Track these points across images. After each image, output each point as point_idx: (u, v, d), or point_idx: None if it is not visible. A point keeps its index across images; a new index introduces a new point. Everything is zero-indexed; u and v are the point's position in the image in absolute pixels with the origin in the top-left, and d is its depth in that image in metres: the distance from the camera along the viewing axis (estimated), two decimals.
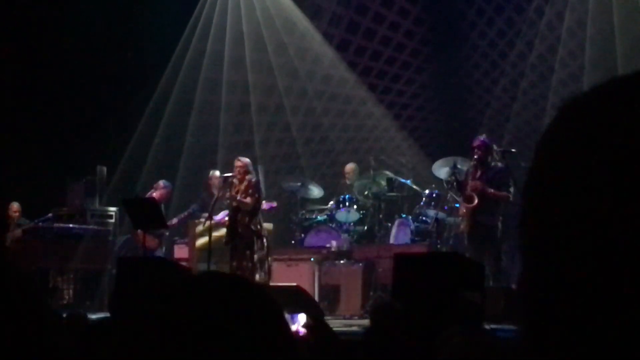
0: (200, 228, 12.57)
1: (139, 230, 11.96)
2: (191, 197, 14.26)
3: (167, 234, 13.57)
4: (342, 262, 12.34)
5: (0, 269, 1.32)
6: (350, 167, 14.30)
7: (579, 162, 0.86)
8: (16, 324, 1.32)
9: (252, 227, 11.39)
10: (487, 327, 7.31)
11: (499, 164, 11.09)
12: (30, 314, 1.35)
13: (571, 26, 14.86)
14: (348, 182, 14.04)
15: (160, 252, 13.23)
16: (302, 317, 8.00)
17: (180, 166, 15.18)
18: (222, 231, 12.05)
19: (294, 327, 7.76)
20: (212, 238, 11.52)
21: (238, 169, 11.53)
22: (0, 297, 1.32)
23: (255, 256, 11.34)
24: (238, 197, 11.39)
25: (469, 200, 10.94)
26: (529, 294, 0.91)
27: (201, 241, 12.63)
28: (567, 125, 0.92)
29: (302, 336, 6.12)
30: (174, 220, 13.51)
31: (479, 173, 11.03)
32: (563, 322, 0.86)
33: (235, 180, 11.60)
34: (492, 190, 10.87)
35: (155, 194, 13.40)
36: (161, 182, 13.65)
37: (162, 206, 13.45)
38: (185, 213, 13.56)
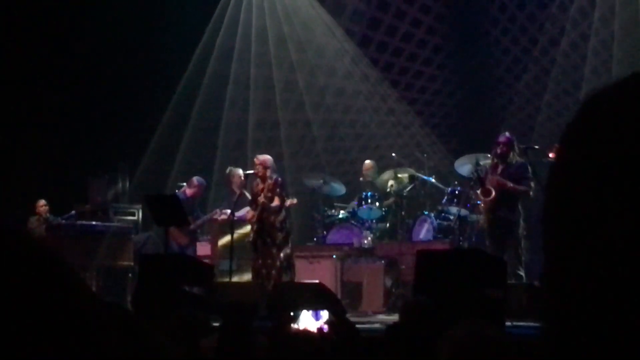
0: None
1: (172, 227, 11.92)
2: (218, 194, 14.27)
3: (199, 231, 13.56)
4: (364, 259, 12.34)
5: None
6: (368, 164, 14.30)
7: (602, 157, 0.85)
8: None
9: (278, 224, 11.40)
10: (508, 323, 7.28)
11: (520, 160, 11.07)
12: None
13: (595, 22, 14.77)
14: (367, 179, 14.04)
15: (192, 249, 13.22)
16: (325, 314, 8.00)
17: (204, 162, 15.19)
18: (245, 228, 12.07)
19: (317, 324, 7.77)
20: (235, 235, 11.54)
21: (258, 166, 11.52)
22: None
23: (282, 254, 11.34)
24: (267, 203, 11.35)
25: (487, 193, 10.92)
26: (552, 291, 0.90)
27: (224, 239, 12.65)
28: (590, 120, 0.91)
29: (325, 333, 6.12)
30: (218, 212, 13.45)
31: (500, 169, 11.02)
32: (587, 318, 0.85)
33: (257, 179, 11.59)
34: (511, 185, 10.85)
35: (188, 191, 13.42)
36: (195, 179, 13.62)
37: (196, 203, 13.48)
38: (214, 212, 13.54)
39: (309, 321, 7.00)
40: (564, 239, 0.87)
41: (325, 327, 5.85)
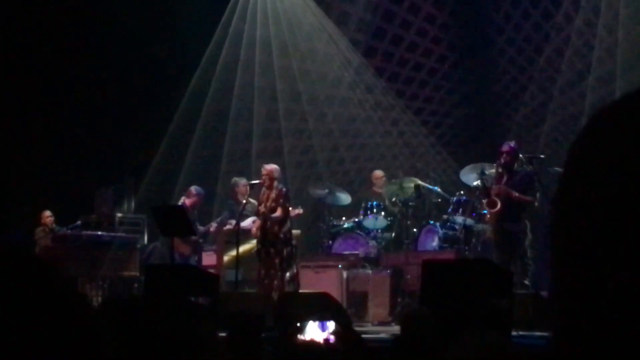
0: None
1: (174, 237, 11.94)
2: (221, 204, 14.28)
3: (201, 240, 13.58)
4: (369, 269, 12.33)
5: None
6: (378, 174, 14.28)
7: (611, 171, 0.85)
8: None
9: (282, 235, 11.39)
10: (515, 333, 7.27)
11: (525, 169, 11.08)
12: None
13: (600, 32, 14.76)
14: (378, 189, 14.01)
15: (193, 259, 13.24)
16: (331, 325, 7.99)
17: (210, 173, 15.18)
18: (252, 242, 12.08)
19: (323, 335, 7.76)
20: (240, 245, 11.54)
21: (264, 176, 11.54)
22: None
23: (285, 265, 11.34)
24: (272, 216, 11.36)
25: (492, 205, 10.92)
26: (560, 302, 0.90)
27: (230, 251, 12.61)
28: (599, 133, 0.91)
29: (331, 344, 6.11)
30: (213, 226, 13.51)
31: (505, 178, 11.02)
32: (595, 330, 0.85)
33: (264, 189, 11.61)
34: (516, 194, 10.86)
35: (187, 201, 13.44)
36: (193, 189, 13.65)
37: (195, 213, 13.50)
38: (218, 220, 13.56)
39: (315, 332, 7.00)
40: (573, 253, 0.88)
41: (332, 337, 5.84)
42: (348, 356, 3.10)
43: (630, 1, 14.20)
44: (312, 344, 6.31)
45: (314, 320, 7.10)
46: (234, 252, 11.78)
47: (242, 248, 11.89)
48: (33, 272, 1.27)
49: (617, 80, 14.15)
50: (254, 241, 11.84)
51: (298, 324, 7.03)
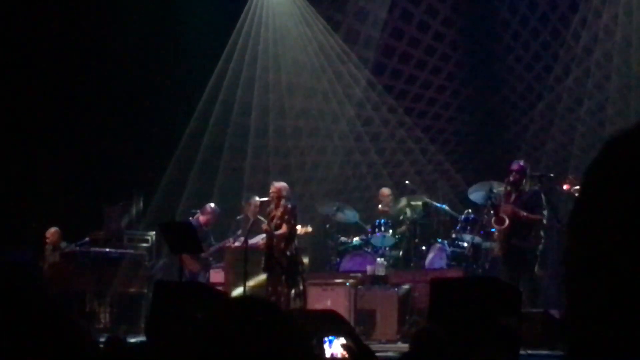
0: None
1: (184, 254, 11.93)
2: (230, 221, 14.26)
3: (211, 258, 13.56)
4: (377, 286, 12.31)
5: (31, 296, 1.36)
6: (385, 191, 14.28)
7: (627, 197, 0.85)
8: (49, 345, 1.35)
9: (288, 252, 11.39)
10: (523, 352, 7.24)
11: (533, 187, 11.07)
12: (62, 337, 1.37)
13: (608, 49, 14.77)
14: (385, 207, 14.00)
15: (203, 276, 13.22)
16: (338, 341, 8.00)
17: (214, 191, 15.17)
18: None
19: (330, 351, 7.78)
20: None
21: (272, 194, 11.57)
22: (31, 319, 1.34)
23: (290, 282, 11.33)
24: (275, 233, 11.37)
25: (500, 222, 10.92)
26: (574, 324, 0.90)
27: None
28: (614, 160, 0.91)
29: (339, 359, 6.11)
30: (230, 241, 13.46)
31: (513, 197, 11.01)
32: (609, 352, 0.85)
33: (271, 206, 11.63)
34: (524, 213, 10.85)
35: (202, 218, 13.44)
36: (208, 206, 13.64)
37: (209, 230, 13.49)
38: (232, 238, 13.54)
39: (335, 348, 7.05)
40: (587, 275, 0.88)
41: (341, 352, 5.84)
42: None
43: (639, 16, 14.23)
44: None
45: (321, 337, 7.12)
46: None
47: (254, 282, 11.96)
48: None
49: (631, 102, 14.16)
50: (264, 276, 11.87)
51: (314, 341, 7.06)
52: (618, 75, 14.69)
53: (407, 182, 14.28)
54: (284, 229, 11.38)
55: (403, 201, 13.74)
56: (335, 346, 8.09)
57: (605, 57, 14.85)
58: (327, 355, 7.88)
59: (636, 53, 14.33)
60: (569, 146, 15.09)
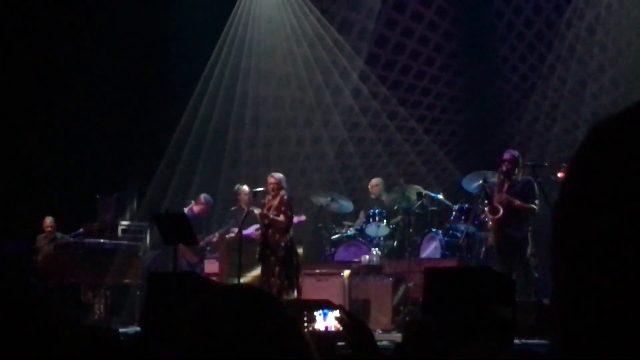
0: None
1: (181, 245, 11.92)
2: (224, 212, 14.27)
3: (208, 249, 13.57)
4: (372, 276, 12.31)
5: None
6: (375, 181, 14.30)
7: (612, 183, 0.85)
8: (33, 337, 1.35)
9: (283, 243, 11.41)
10: (517, 341, 7.26)
11: (526, 177, 11.09)
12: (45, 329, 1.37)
13: (602, 39, 14.79)
14: (373, 196, 14.05)
15: (200, 268, 13.22)
16: (333, 313, 8.09)
17: (212, 181, 15.17)
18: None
19: (325, 324, 7.87)
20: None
21: (271, 185, 11.58)
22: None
23: (285, 273, 11.35)
24: (271, 216, 11.40)
25: (494, 211, 10.94)
26: (562, 312, 0.90)
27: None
28: (599, 146, 0.91)
29: (334, 331, 6.14)
30: (215, 236, 13.49)
31: (506, 186, 11.02)
32: (597, 339, 0.85)
33: (268, 196, 11.64)
34: (518, 202, 10.86)
35: (195, 208, 13.44)
36: (202, 197, 13.65)
37: (202, 221, 13.49)
38: (224, 229, 13.54)
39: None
40: (574, 262, 0.88)
41: (334, 325, 5.90)
42: (354, 339, 3.11)
43: (632, 6, 14.24)
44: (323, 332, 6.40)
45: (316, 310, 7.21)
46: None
47: (249, 277, 11.99)
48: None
49: (620, 87, 14.18)
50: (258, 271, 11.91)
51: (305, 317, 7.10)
52: (612, 65, 14.70)
53: (401, 171, 14.30)
54: (281, 218, 11.40)
55: (397, 191, 13.75)
56: (329, 319, 8.17)
57: (599, 46, 14.86)
58: (322, 328, 7.95)
59: (628, 44, 14.34)
60: (563, 136, 15.11)
